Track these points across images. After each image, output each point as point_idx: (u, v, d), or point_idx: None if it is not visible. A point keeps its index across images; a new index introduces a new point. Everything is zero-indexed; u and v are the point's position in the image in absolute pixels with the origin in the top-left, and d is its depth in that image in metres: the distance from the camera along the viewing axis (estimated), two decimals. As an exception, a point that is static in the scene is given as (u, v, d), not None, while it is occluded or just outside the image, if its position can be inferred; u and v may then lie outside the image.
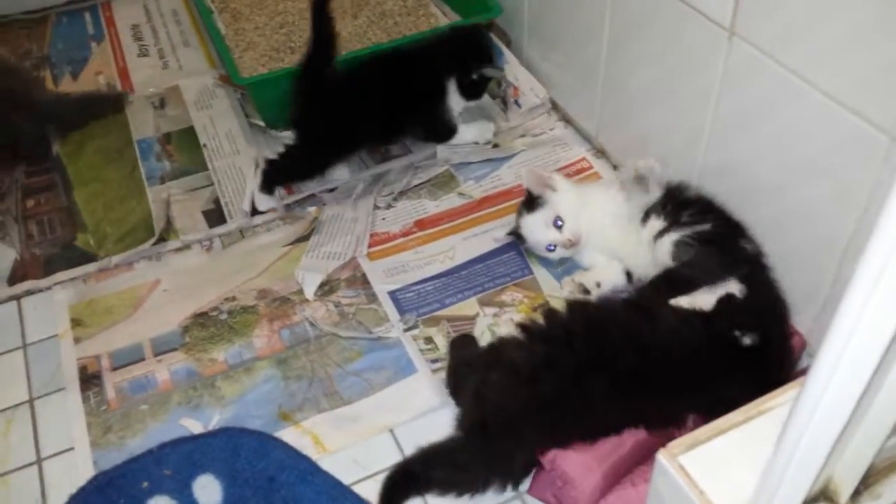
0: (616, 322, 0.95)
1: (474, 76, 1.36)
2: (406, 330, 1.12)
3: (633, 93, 1.22)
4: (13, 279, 1.23)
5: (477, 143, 1.41)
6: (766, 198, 1.01)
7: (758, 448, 0.72)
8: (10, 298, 1.21)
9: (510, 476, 0.93)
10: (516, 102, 1.46)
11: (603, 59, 1.26)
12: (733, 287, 0.98)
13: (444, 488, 0.93)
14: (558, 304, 1.08)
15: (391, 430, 1.02)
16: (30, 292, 1.22)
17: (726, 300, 0.97)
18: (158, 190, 1.37)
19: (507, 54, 1.47)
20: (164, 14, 1.80)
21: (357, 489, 0.95)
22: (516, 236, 1.20)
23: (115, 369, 1.10)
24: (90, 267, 1.24)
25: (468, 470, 0.91)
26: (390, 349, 1.10)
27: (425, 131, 1.40)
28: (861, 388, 0.54)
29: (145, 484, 0.96)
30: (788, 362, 0.99)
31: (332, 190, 1.35)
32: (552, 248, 1.15)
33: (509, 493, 0.94)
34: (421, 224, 1.29)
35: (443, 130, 1.39)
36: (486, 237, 1.26)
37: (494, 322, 1.12)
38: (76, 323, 1.17)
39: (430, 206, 1.32)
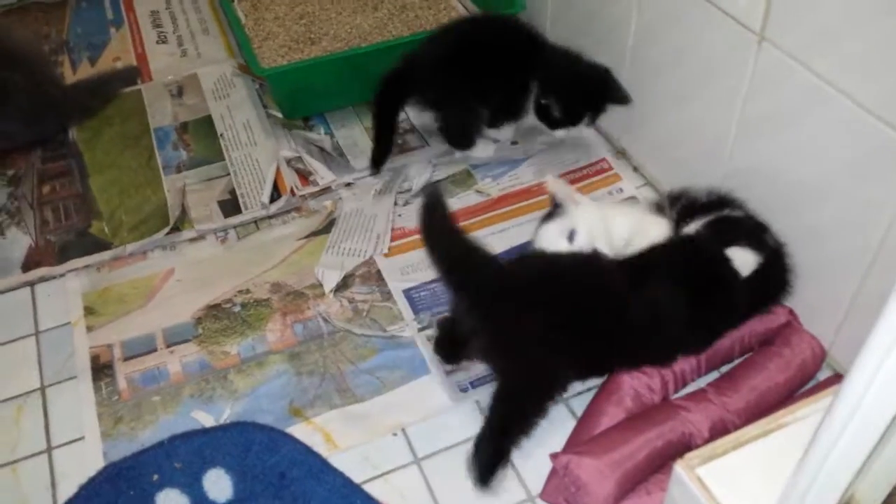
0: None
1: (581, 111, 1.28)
2: (420, 329, 1.11)
3: (657, 94, 1.21)
4: (27, 265, 1.23)
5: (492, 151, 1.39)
6: (790, 206, 0.99)
7: (776, 462, 0.71)
8: (24, 284, 1.21)
9: None
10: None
11: (627, 58, 1.24)
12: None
13: None
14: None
15: (403, 430, 1.01)
16: (44, 279, 1.21)
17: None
18: (174, 179, 1.36)
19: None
20: (184, 1, 1.80)
21: (367, 488, 0.94)
22: None
23: (127, 359, 1.10)
24: (104, 255, 1.24)
25: None
26: (404, 348, 1.09)
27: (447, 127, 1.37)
28: (892, 411, 0.53)
29: (155, 476, 0.95)
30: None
31: (349, 184, 1.34)
32: None
33: (522, 495, 0.94)
34: (437, 221, 1.28)
35: (464, 136, 1.36)
36: (503, 236, 1.25)
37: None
38: (89, 311, 1.16)
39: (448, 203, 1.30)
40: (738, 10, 0.97)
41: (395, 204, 1.30)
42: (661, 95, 1.20)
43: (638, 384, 0.96)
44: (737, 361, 1.02)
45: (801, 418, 0.76)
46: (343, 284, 1.18)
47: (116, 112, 1.50)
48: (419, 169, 1.36)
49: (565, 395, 1.01)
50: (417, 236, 1.25)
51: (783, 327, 1.01)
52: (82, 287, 1.20)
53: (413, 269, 1.21)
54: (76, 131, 1.46)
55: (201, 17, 1.74)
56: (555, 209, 1.10)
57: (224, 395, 1.05)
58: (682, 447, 0.89)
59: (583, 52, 1.30)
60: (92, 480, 0.95)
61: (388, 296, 1.17)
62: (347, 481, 0.94)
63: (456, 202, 1.31)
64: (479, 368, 1.06)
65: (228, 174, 1.37)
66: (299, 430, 1.00)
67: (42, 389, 1.08)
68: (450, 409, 1.02)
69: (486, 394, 1.03)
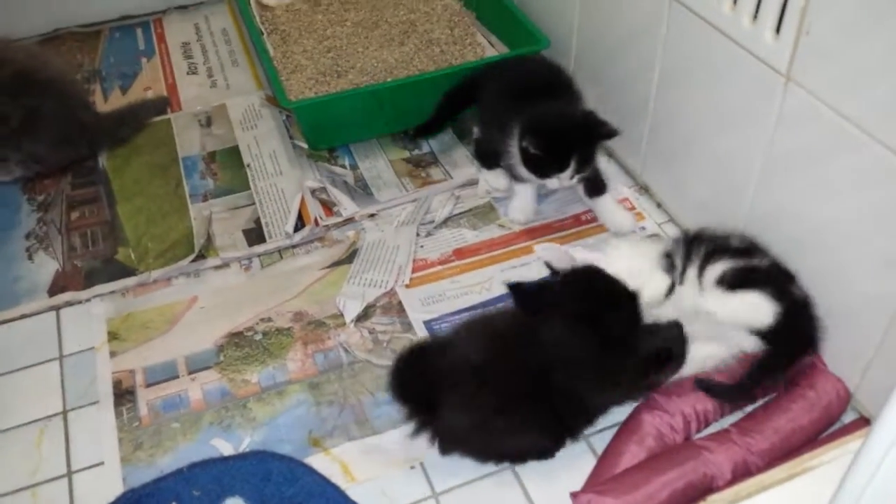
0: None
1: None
2: (441, 361, 1.11)
3: (681, 132, 1.21)
4: (53, 290, 1.24)
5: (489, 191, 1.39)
6: (816, 248, 0.98)
7: (801, 506, 0.70)
8: (50, 309, 1.22)
9: None
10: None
11: (652, 96, 1.25)
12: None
13: None
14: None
15: (421, 463, 1.00)
16: (69, 304, 1.23)
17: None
18: (200, 207, 1.38)
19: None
20: (215, 33, 1.83)
21: (384, 521, 0.94)
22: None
23: (148, 385, 1.11)
24: (129, 281, 1.25)
25: None
26: (424, 380, 1.09)
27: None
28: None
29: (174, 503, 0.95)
30: None
31: (372, 215, 1.35)
32: None
33: (540, 534, 0.93)
34: (459, 253, 1.29)
35: (484, 155, 1.38)
36: (525, 270, 1.25)
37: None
38: (113, 336, 1.18)
39: (470, 236, 1.31)
40: (765, 51, 0.98)
41: (418, 235, 1.31)
42: (686, 134, 1.20)
43: (660, 423, 0.95)
44: (760, 402, 1.01)
45: (826, 462, 0.75)
46: (364, 315, 1.19)
47: (146, 141, 1.53)
48: (442, 200, 1.37)
49: (586, 433, 1.01)
50: (439, 268, 1.26)
51: (808, 369, 1.00)
52: (107, 312, 1.21)
53: (434, 300, 1.21)
54: (106, 159, 1.49)
55: (231, 49, 1.77)
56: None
57: (243, 423, 1.05)
58: (704, 488, 0.88)
59: (607, 88, 1.30)
60: (111, 506, 0.95)
61: (408, 327, 1.17)
62: (365, 514, 0.93)
63: (478, 235, 1.31)
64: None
65: (254, 203, 1.38)
66: (318, 461, 1.00)
67: (64, 413, 1.08)
68: (469, 444, 1.02)
69: (505, 429, 1.02)
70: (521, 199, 1.32)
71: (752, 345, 1.00)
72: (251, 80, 1.67)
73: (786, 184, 1.01)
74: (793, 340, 0.98)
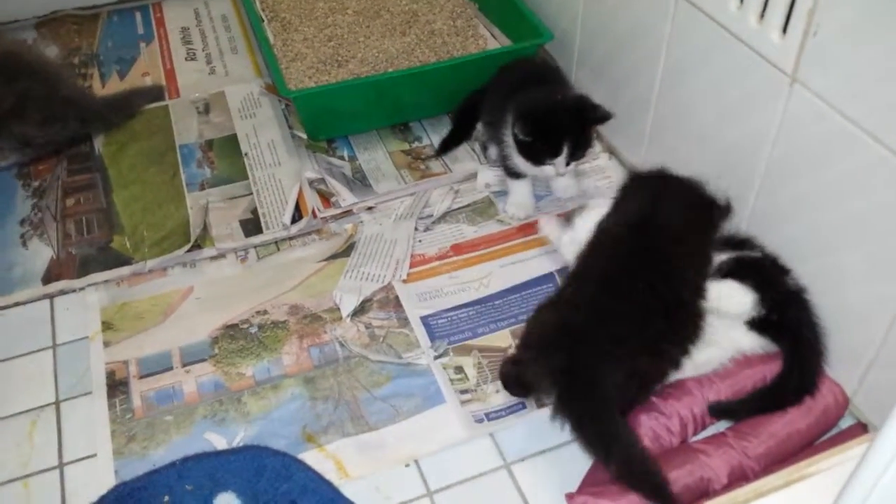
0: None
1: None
2: (436, 357, 1.10)
3: (684, 130, 1.20)
4: (48, 278, 1.23)
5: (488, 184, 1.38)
6: (817, 251, 0.98)
7: (798, 514, 0.70)
8: (44, 297, 1.21)
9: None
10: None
11: (655, 93, 1.23)
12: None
13: None
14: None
15: (416, 461, 1.00)
16: (63, 292, 1.22)
17: None
18: (197, 196, 1.37)
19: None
20: (214, 19, 1.81)
21: (378, 519, 0.93)
22: None
23: (142, 377, 1.10)
24: (124, 270, 1.24)
25: None
26: (419, 376, 1.08)
27: None
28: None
29: (166, 498, 0.95)
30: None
31: (370, 208, 1.34)
32: None
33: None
34: (457, 248, 1.28)
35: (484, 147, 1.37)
36: (524, 266, 1.24)
37: (527, 355, 1.10)
38: (107, 326, 1.17)
39: (468, 231, 1.30)
40: (771, 51, 0.97)
41: (416, 230, 1.30)
42: (689, 132, 1.19)
43: (656, 425, 0.95)
44: (757, 405, 1.00)
45: (824, 470, 0.74)
46: (360, 309, 1.18)
47: (143, 127, 1.51)
48: (441, 194, 1.36)
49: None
50: (437, 263, 1.25)
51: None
52: (101, 302, 1.20)
53: (431, 295, 1.20)
54: (102, 145, 1.47)
55: (231, 36, 1.75)
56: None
57: (237, 417, 1.05)
58: (700, 492, 0.88)
59: (610, 85, 1.29)
60: (102, 499, 0.95)
61: (405, 322, 1.16)
62: (358, 511, 0.93)
63: (476, 231, 1.30)
64: (494, 401, 1.05)
65: (251, 193, 1.37)
66: (312, 457, 0.99)
67: (57, 404, 1.07)
68: (464, 442, 1.01)
69: (501, 426, 1.02)
70: (519, 195, 1.31)
71: (750, 344, 1.00)
72: (250, 68, 1.66)
73: (789, 185, 1.00)
74: (791, 334, 0.98)
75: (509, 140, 1.23)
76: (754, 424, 0.95)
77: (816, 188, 0.96)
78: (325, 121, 1.44)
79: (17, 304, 1.20)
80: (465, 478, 0.98)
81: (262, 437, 1.02)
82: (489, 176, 1.37)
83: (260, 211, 1.34)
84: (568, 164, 1.21)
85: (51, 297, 1.21)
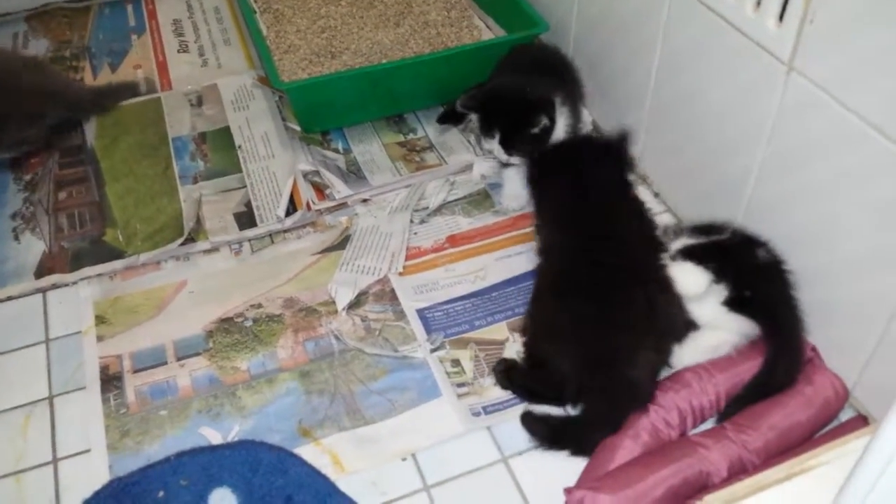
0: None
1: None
2: (433, 350, 1.10)
3: (681, 120, 1.19)
4: (40, 272, 1.22)
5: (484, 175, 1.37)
6: (816, 242, 0.97)
7: (799, 507, 0.69)
8: (36, 291, 1.20)
9: None
10: (557, 122, 1.42)
11: (651, 83, 1.23)
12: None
13: None
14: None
15: (413, 455, 0.99)
16: (56, 286, 1.21)
17: None
18: (190, 189, 1.35)
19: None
20: (207, 11, 1.79)
21: (375, 513, 0.93)
22: None
23: (136, 371, 1.09)
24: (117, 264, 1.23)
25: None
26: (416, 370, 1.08)
27: None
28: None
29: (161, 493, 0.94)
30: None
31: (365, 200, 1.33)
32: None
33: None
34: (453, 240, 1.27)
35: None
36: (520, 259, 1.23)
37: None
38: (100, 320, 1.15)
39: (464, 223, 1.29)
40: (768, 39, 0.96)
41: (412, 222, 1.29)
42: (685, 123, 1.18)
43: (655, 418, 0.94)
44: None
45: (825, 463, 0.74)
46: (356, 303, 1.17)
47: (135, 120, 1.50)
48: (436, 187, 1.35)
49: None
50: (433, 255, 1.24)
51: (805, 364, 0.99)
52: (94, 295, 1.19)
53: (427, 288, 1.19)
54: (94, 139, 1.46)
55: (223, 28, 1.74)
56: None
57: (232, 411, 1.04)
58: (699, 485, 0.87)
59: (606, 75, 1.29)
60: (97, 495, 0.94)
61: (401, 315, 1.15)
62: (355, 506, 0.92)
63: (472, 223, 1.29)
64: (492, 394, 1.04)
65: (245, 186, 1.36)
66: (307, 452, 0.98)
67: (50, 399, 1.06)
68: (460, 435, 1.00)
69: (498, 420, 1.01)
70: (512, 186, 1.31)
71: (737, 327, 1.00)
72: (243, 60, 1.64)
73: (786, 176, 1.00)
74: (765, 308, 0.98)
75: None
76: (754, 417, 0.94)
77: (814, 179, 0.95)
78: (319, 113, 1.43)
79: (9, 299, 1.19)
80: (462, 472, 0.97)
81: (257, 432, 1.01)
82: (484, 167, 1.36)
83: (254, 204, 1.33)
84: (509, 152, 1.20)
85: (43, 291, 1.20)
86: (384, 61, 1.50)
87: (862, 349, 0.94)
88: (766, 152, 1.02)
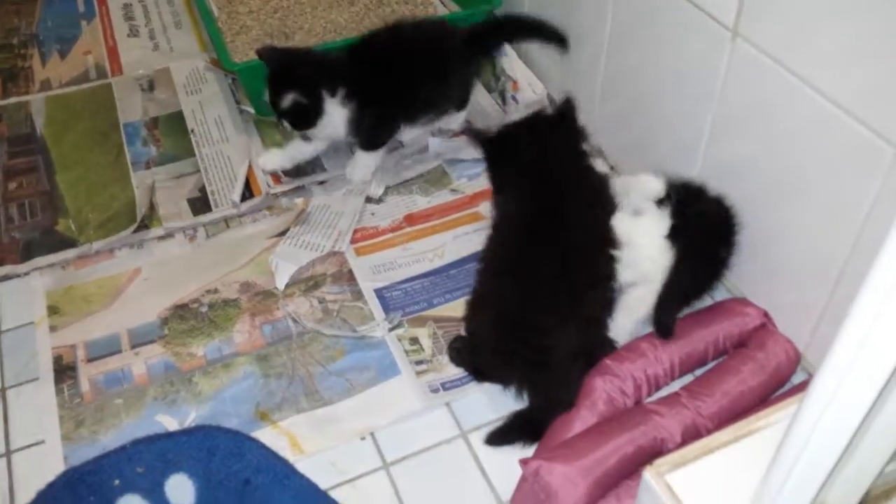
0: None
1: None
2: (391, 329, 1.09)
3: (633, 91, 1.19)
4: (-10, 263, 1.20)
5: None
6: (763, 205, 0.98)
7: (747, 468, 0.70)
8: (-13, 283, 1.18)
9: None
10: (514, 98, 1.42)
11: (603, 55, 1.22)
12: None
13: None
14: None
15: (372, 434, 0.99)
16: (7, 277, 1.18)
17: None
18: (143, 175, 1.33)
19: (506, 47, 1.43)
20: (157, -6, 1.76)
21: (334, 494, 0.92)
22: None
23: (90, 361, 1.07)
24: (69, 253, 1.21)
25: None
26: (374, 349, 1.07)
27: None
28: (861, 414, 0.52)
29: (117, 482, 0.92)
30: None
31: (322, 182, 1.32)
32: None
33: (492, 502, 0.92)
34: (410, 219, 1.26)
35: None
36: (477, 237, 1.22)
37: (482, 324, 1.09)
38: (53, 311, 1.14)
39: (421, 202, 1.29)
40: (712, 5, 0.96)
41: (369, 201, 1.28)
42: (638, 92, 1.18)
43: (611, 388, 0.94)
44: (711, 365, 1.00)
45: (773, 423, 0.74)
46: (314, 284, 1.16)
47: (85, 106, 1.47)
48: (392, 168, 1.34)
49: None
50: (390, 235, 1.23)
51: (757, 330, 1.00)
52: (46, 286, 1.17)
53: (385, 268, 1.18)
54: (43, 126, 1.43)
55: (174, 11, 1.71)
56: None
57: (189, 397, 1.03)
58: (655, 453, 0.88)
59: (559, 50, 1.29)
60: (51, 486, 0.92)
61: (358, 295, 1.15)
62: (314, 487, 0.91)
63: (430, 201, 1.29)
64: (450, 370, 1.04)
65: (199, 171, 1.34)
66: (265, 435, 0.98)
67: (2, 391, 1.05)
68: (419, 413, 1.00)
69: (457, 395, 1.01)
70: (361, 157, 1.31)
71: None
72: (195, 43, 1.62)
73: (735, 140, 1.00)
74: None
75: None
76: (707, 384, 0.95)
77: (762, 142, 0.95)
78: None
79: (-41, 292, 1.17)
80: (421, 448, 0.97)
81: (214, 417, 1.00)
82: (439, 144, 1.35)
83: (208, 189, 1.31)
84: (282, 123, 1.24)
85: (-6, 283, 1.18)
86: (339, 40, 1.48)
87: (812, 311, 0.95)
88: (716, 117, 1.02)
